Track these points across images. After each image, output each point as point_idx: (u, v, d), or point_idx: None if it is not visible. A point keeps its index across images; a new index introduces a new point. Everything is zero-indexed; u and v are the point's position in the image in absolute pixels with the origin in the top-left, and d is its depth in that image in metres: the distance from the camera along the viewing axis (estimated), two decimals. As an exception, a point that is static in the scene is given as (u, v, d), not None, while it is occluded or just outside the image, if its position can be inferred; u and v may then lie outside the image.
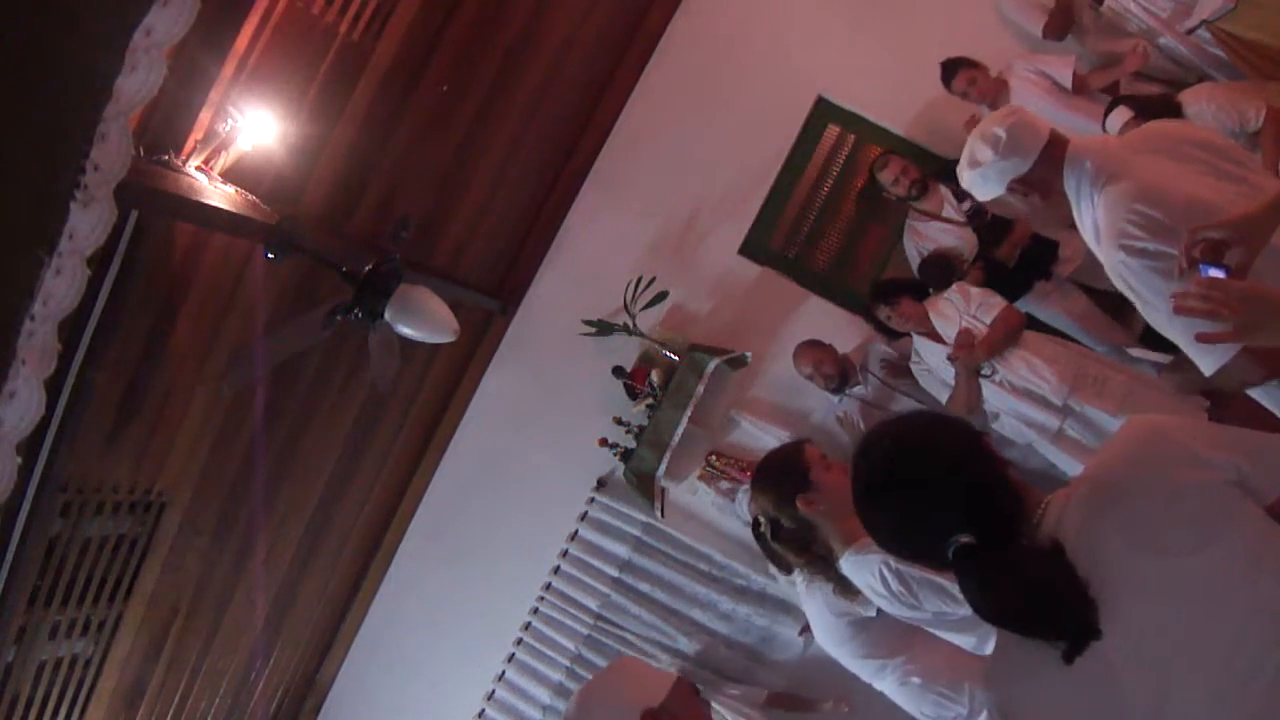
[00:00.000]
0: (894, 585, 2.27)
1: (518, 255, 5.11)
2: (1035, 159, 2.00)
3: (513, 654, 5.05)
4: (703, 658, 4.70)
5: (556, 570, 4.99)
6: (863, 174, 4.73)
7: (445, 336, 3.11)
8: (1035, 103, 4.04)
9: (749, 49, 4.96)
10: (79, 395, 2.78)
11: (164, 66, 2.06)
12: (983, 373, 3.64)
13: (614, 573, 4.87)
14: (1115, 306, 4.19)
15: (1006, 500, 1.34)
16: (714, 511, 4.76)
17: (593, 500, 4.94)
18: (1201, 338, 1.56)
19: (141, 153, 2.64)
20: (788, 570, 2.71)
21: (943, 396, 3.85)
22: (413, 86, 3.78)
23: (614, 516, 4.90)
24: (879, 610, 2.60)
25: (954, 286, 3.88)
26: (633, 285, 4.73)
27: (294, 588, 4.85)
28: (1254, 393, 2.26)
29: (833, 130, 4.97)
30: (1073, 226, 2.09)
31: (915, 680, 2.71)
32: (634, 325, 4.75)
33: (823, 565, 2.47)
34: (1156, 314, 1.89)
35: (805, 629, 4.17)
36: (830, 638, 2.76)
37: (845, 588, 2.47)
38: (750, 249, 4.97)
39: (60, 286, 2.12)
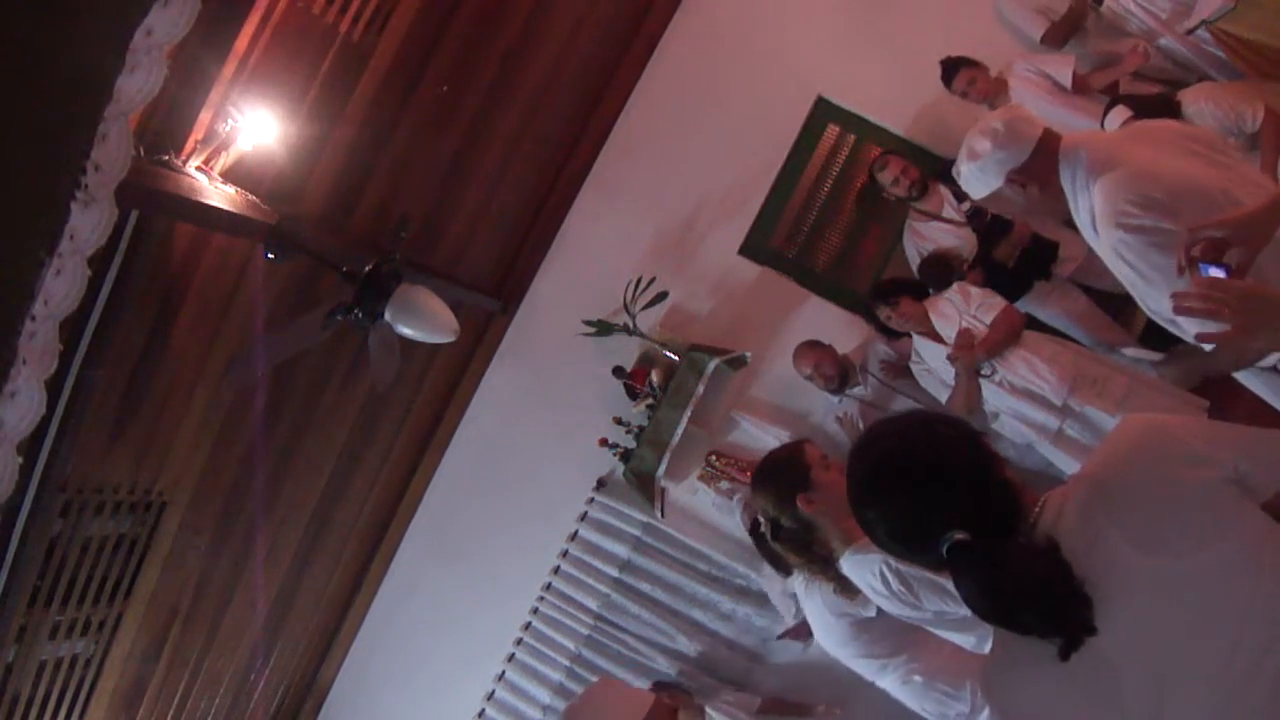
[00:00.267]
0: (894, 585, 2.27)
1: (518, 255, 5.11)
2: (1032, 150, 2.05)
3: (513, 654, 5.05)
4: (702, 659, 4.71)
5: (556, 570, 4.99)
6: (863, 174, 4.73)
7: (445, 336, 3.11)
8: (1035, 102, 4.05)
9: (749, 49, 4.96)
10: (79, 395, 2.78)
11: (164, 67, 2.06)
12: (982, 373, 3.64)
13: (614, 573, 4.87)
14: (1115, 306, 4.19)
15: (1002, 498, 1.34)
16: (714, 511, 4.75)
17: (593, 500, 4.94)
18: (1202, 338, 1.56)
19: (142, 153, 2.64)
20: (787, 571, 2.71)
21: (942, 396, 3.85)
22: (413, 86, 3.78)
23: (614, 516, 4.90)
24: (879, 610, 2.61)
25: (954, 286, 3.88)
26: (633, 285, 4.73)
27: (294, 588, 4.85)
28: (1249, 381, 2.27)
29: (833, 130, 4.97)
30: (1070, 224, 2.12)
31: (917, 679, 2.71)
32: (634, 325, 4.75)
33: (823, 565, 2.46)
34: (1156, 290, 1.93)
35: (786, 633, 4.16)
36: (831, 638, 2.76)
37: (845, 588, 2.47)
38: (750, 249, 4.97)
39: (61, 286, 2.12)
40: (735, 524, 4.65)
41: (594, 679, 4.84)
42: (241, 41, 2.86)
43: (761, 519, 2.50)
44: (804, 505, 2.30)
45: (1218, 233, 1.60)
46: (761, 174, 4.96)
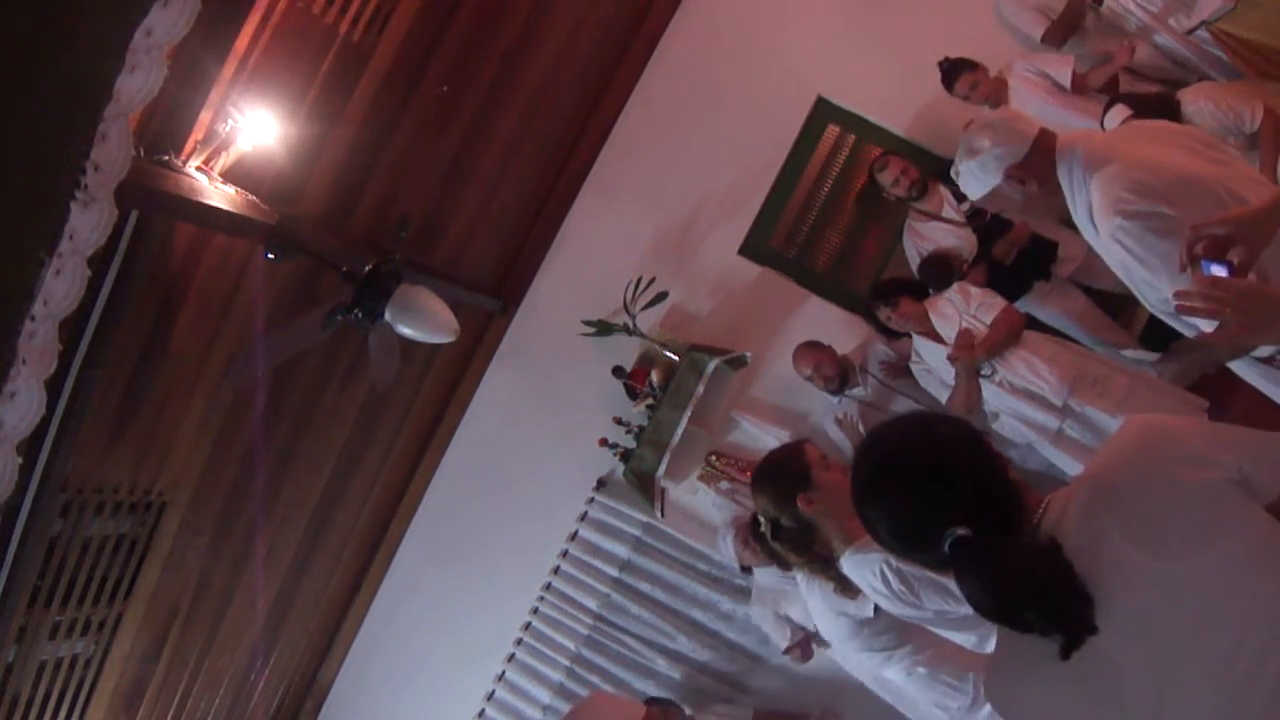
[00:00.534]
0: (894, 584, 2.27)
1: (518, 255, 5.11)
2: (1029, 147, 2.10)
3: (513, 654, 5.05)
4: (702, 659, 4.71)
5: (556, 570, 4.99)
6: (863, 174, 4.73)
7: (445, 336, 3.11)
8: (1035, 102, 4.05)
9: (749, 49, 4.96)
10: (79, 395, 2.78)
11: (164, 67, 2.06)
12: (983, 373, 3.64)
13: (614, 573, 4.87)
14: (1115, 306, 4.19)
15: (1004, 497, 1.35)
16: (714, 511, 4.75)
17: (593, 500, 4.94)
18: (1204, 338, 1.57)
19: (142, 153, 2.64)
20: (786, 569, 2.72)
21: (942, 397, 3.85)
22: (413, 87, 3.79)
23: (614, 516, 4.90)
24: (876, 609, 2.61)
25: (954, 286, 3.88)
26: (633, 285, 4.73)
27: (294, 588, 4.85)
28: (1243, 371, 2.28)
29: (833, 130, 4.97)
30: (1069, 224, 2.13)
31: (921, 670, 2.72)
32: (634, 325, 4.75)
33: (823, 565, 2.47)
34: (1155, 276, 1.96)
35: (789, 650, 4.16)
36: (835, 633, 2.77)
37: (845, 587, 2.47)
38: (750, 249, 4.97)
39: (60, 286, 2.12)
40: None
41: (594, 679, 4.85)
42: (241, 41, 2.86)
43: (762, 519, 2.50)
44: (804, 505, 2.30)
45: (1220, 230, 1.59)
46: (761, 174, 4.96)
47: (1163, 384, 3.64)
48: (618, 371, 4.79)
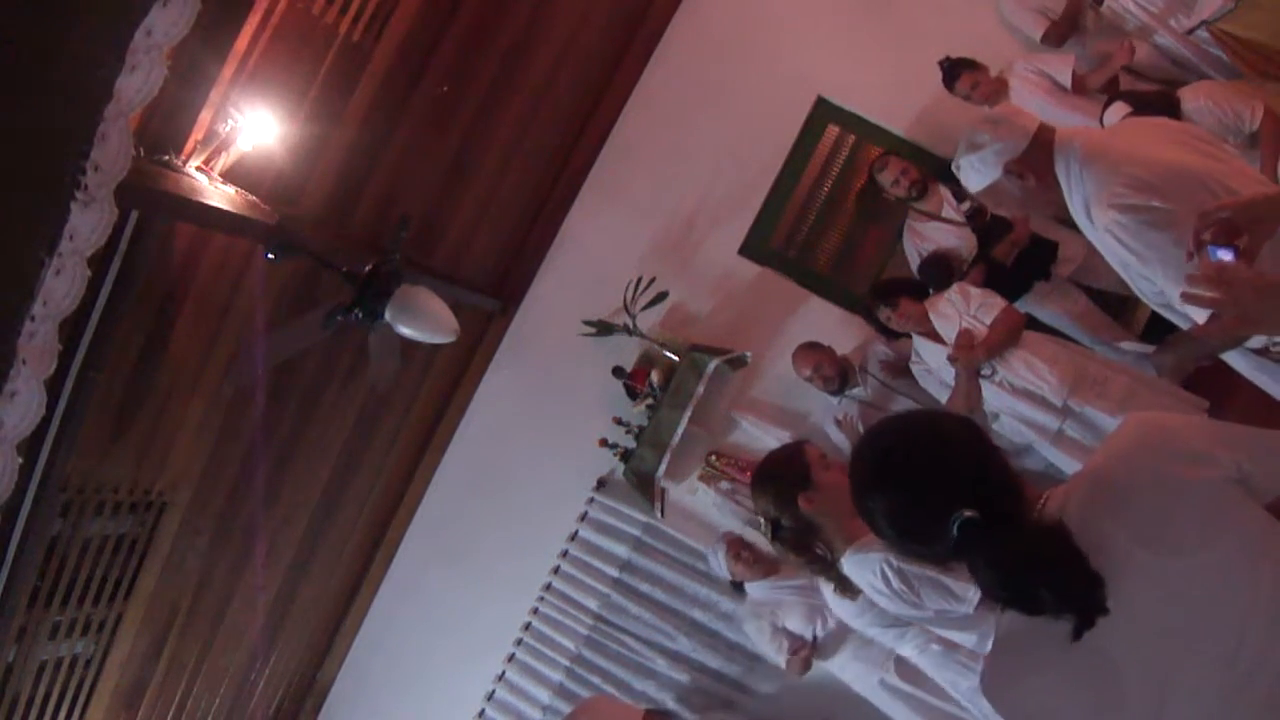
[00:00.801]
0: (895, 583, 2.28)
1: (518, 255, 5.11)
2: (1029, 141, 2.14)
3: (513, 654, 5.05)
4: (701, 661, 4.71)
5: (556, 570, 4.99)
6: (863, 174, 4.73)
7: (445, 337, 3.11)
8: (1035, 102, 4.05)
9: (749, 49, 4.96)
10: (79, 395, 2.78)
11: (164, 67, 2.06)
12: (983, 373, 3.64)
13: (614, 573, 4.87)
14: (1115, 306, 4.19)
15: (1007, 485, 1.35)
16: (714, 511, 4.75)
17: (593, 500, 4.94)
18: (1198, 331, 1.57)
19: (142, 153, 2.64)
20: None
21: (943, 397, 3.85)
22: (413, 87, 3.79)
23: (614, 517, 4.90)
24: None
25: (954, 287, 3.88)
26: (633, 285, 4.73)
27: (294, 587, 4.85)
28: (1237, 362, 2.28)
29: (833, 130, 4.97)
30: (1069, 224, 2.16)
31: (935, 647, 2.72)
32: (634, 325, 4.75)
33: (823, 565, 2.47)
34: (1151, 269, 2.00)
35: (790, 665, 4.16)
36: (846, 611, 2.76)
37: (846, 587, 2.47)
38: (750, 249, 4.97)
39: (60, 286, 2.12)
40: (735, 524, 4.65)
41: (594, 679, 4.85)
42: (241, 41, 2.86)
43: (762, 519, 2.51)
44: (805, 504, 2.30)
45: (1228, 214, 1.59)
46: (761, 174, 4.96)
47: (1163, 384, 3.64)
48: (618, 371, 4.79)
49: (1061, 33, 4.32)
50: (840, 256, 5.02)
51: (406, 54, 3.63)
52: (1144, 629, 1.24)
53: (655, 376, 4.66)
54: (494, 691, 5.08)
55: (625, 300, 4.74)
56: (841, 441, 4.32)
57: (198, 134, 2.94)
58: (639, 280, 4.73)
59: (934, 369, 3.90)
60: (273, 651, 4.96)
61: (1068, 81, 4.09)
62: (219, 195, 2.95)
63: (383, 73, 3.57)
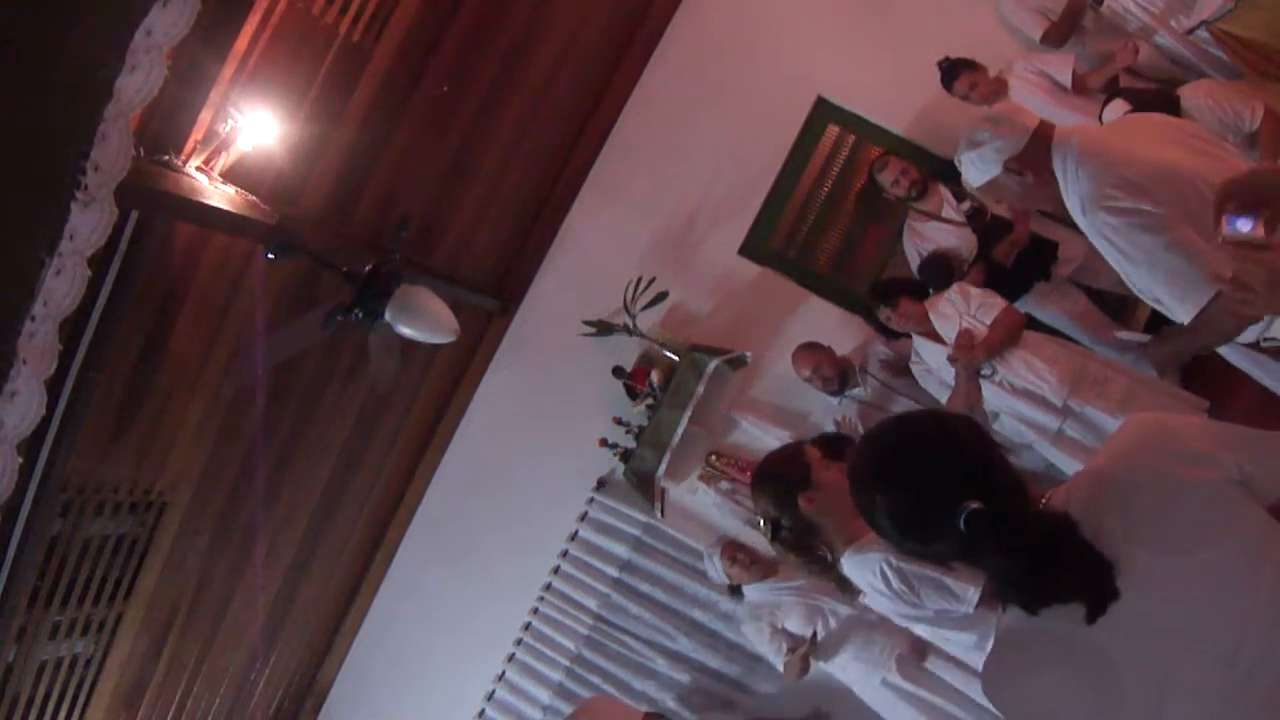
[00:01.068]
0: (895, 583, 2.27)
1: (518, 255, 5.11)
2: (1029, 138, 2.17)
3: (513, 654, 5.05)
4: (701, 660, 4.71)
5: (556, 570, 4.99)
6: (863, 174, 4.73)
7: (445, 337, 3.11)
8: (1035, 102, 4.05)
9: (749, 49, 4.96)
10: (79, 395, 2.78)
11: (164, 67, 2.06)
12: (983, 373, 3.64)
13: (614, 573, 4.87)
14: (1115, 306, 4.19)
15: (1009, 481, 1.35)
16: (714, 511, 4.75)
17: (592, 500, 4.94)
18: (1193, 325, 1.58)
19: (142, 153, 2.64)
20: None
21: (942, 397, 3.85)
22: (413, 87, 3.79)
23: (614, 516, 4.90)
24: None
25: (954, 287, 3.88)
26: (633, 285, 4.73)
27: (294, 588, 4.85)
28: (1232, 355, 2.29)
29: (833, 130, 4.97)
30: (1069, 224, 2.17)
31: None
32: (634, 325, 4.75)
33: (824, 565, 2.46)
34: (1138, 270, 2.05)
35: (791, 660, 4.16)
36: (885, 607, 2.73)
37: (846, 588, 2.47)
38: (750, 249, 4.97)
39: (60, 286, 2.11)
40: (735, 524, 4.66)
41: (594, 679, 4.85)
42: (241, 41, 2.86)
43: (762, 519, 2.50)
44: (805, 504, 2.30)
45: (1247, 185, 1.58)
46: (761, 174, 4.96)
47: (1163, 384, 3.64)
48: (618, 371, 4.79)
49: (1061, 33, 4.33)
50: (840, 256, 5.02)
51: (406, 54, 3.63)
52: (1144, 629, 1.24)
53: (655, 376, 4.67)
54: (494, 691, 5.08)
55: (625, 300, 4.74)
56: (841, 442, 4.31)
57: (198, 134, 2.94)
58: (639, 280, 4.73)
59: (934, 369, 3.90)
60: (273, 651, 4.96)
61: (1068, 81, 4.09)
62: (219, 195, 2.95)
63: (383, 73, 3.57)
